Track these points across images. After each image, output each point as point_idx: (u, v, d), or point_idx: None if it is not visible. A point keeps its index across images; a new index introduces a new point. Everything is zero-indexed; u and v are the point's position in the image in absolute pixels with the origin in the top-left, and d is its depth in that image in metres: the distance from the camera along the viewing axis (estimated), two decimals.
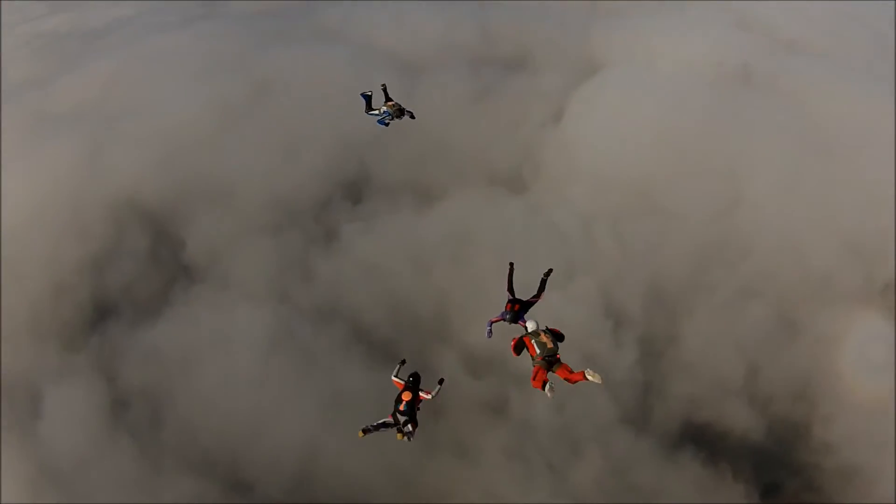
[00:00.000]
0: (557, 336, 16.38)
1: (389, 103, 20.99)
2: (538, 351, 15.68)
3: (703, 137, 63.34)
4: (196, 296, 56.58)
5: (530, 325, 16.25)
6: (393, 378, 17.64)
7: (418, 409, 16.81)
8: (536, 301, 17.11)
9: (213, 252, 58.81)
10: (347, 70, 70.03)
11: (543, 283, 17.33)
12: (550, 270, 17.87)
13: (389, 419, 16.77)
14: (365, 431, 17.15)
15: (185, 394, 51.30)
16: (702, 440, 51.71)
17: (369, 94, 21.39)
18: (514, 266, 17.73)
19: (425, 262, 56.07)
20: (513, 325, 17.06)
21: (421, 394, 16.90)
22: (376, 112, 21.10)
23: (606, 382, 16.38)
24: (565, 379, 15.58)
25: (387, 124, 20.56)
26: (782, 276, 57.85)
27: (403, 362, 18.22)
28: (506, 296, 17.30)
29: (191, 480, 48.12)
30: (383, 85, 21.51)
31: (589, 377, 15.24)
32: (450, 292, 54.66)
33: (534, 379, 15.57)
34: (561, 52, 71.12)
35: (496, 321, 16.93)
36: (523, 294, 17.84)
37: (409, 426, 16.52)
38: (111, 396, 51.86)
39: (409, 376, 17.18)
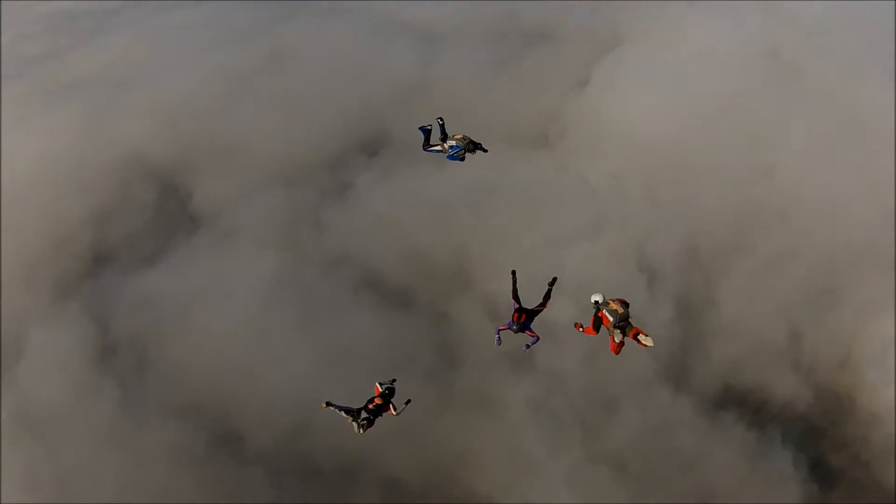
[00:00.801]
0: (623, 303, 15.61)
1: (457, 137, 17.66)
2: (612, 319, 15.02)
3: (735, 107, 57.77)
4: (198, 243, 50.46)
5: (597, 297, 15.45)
6: (377, 384, 17.22)
7: (380, 415, 16.57)
8: (542, 309, 16.16)
9: (220, 203, 52.86)
10: (365, 40, 65.91)
11: (549, 291, 16.38)
12: (555, 279, 16.82)
13: (354, 408, 16.44)
14: (328, 404, 16.62)
15: (178, 341, 44.60)
16: (745, 405, 44.66)
17: (428, 127, 18.06)
18: (517, 272, 16.68)
19: (444, 213, 49.73)
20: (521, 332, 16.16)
21: (390, 407, 16.73)
22: (438, 148, 17.89)
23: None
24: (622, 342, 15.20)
25: (462, 159, 17.52)
26: (822, 241, 51.42)
27: (394, 381, 17.66)
28: (511, 304, 16.22)
29: (175, 428, 41.34)
30: (440, 119, 17.83)
31: (642, 340, 14.83)
32: (470, 243, 48.35)
33: (614, 348, 15.09)
34: (584, 25, 66.14)
35: (503, 329, 16.04)
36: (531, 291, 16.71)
37: (367, 424, 16.30)
38: (101, 343, 45.67)
39: (387, 388, 16.92)
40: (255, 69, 63.56)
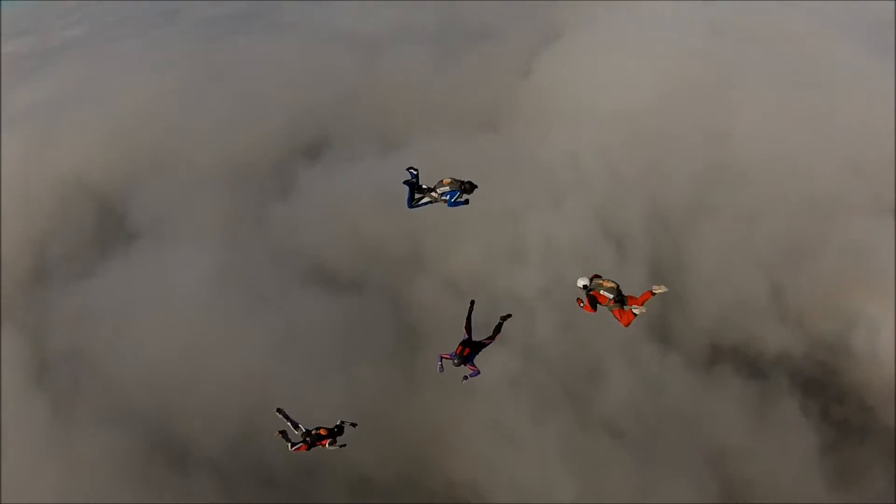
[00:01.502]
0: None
1: (446, 181, 15.14)
2: (609, 296, 14.13)
3: (688, 76, 54.32)
4: (135, 254, 44.40)
5: (583, 281, 14.48)
6: (341, 420, 16.04)
7: (315, 445, 15.53)
8: (490, 343, 14.98)
9: (159, 211, 47.19)
10: (304, 51, 61.75)
11: (500, 325, 15.19)
12: (509, 315, 15.51)
13: (300, 426, 15.81)
14: (279, 411, 16.19)
15: (116, 351, 38.66)
16: (739, 357, 39.71)
17: (414, 173, 15.44)
18: (475, 303, 15.27)
19: (393, 202, 44.76)
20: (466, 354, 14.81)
21: (327, 441, 15.56)
22: (427, 200, 15.36)
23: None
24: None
25: (466, 202, 15.02)
26: (789, 197, 47.61)
27: (354, 425, 16.29)
28: (461, 333, 14.93)
29: (115, 437, 35.01)
30: (413, 169, 15.47)
31: (656, 291, 13.96)
32: (423, 226, 43.14)
33: (623, 320, 14.03)
34: (523, 22, 63.13)
35: (446, 358, 14.76)
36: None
37: (300, 446, 15.51)
38: (37, 357, 40.02)
39: (339, 426, 15.79)
40: (194, 86, 58.85)
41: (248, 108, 55.39)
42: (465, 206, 14.89)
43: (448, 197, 14.89)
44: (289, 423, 15.60)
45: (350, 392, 34.87)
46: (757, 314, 42.18)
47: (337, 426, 15.60)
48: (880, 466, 36.39)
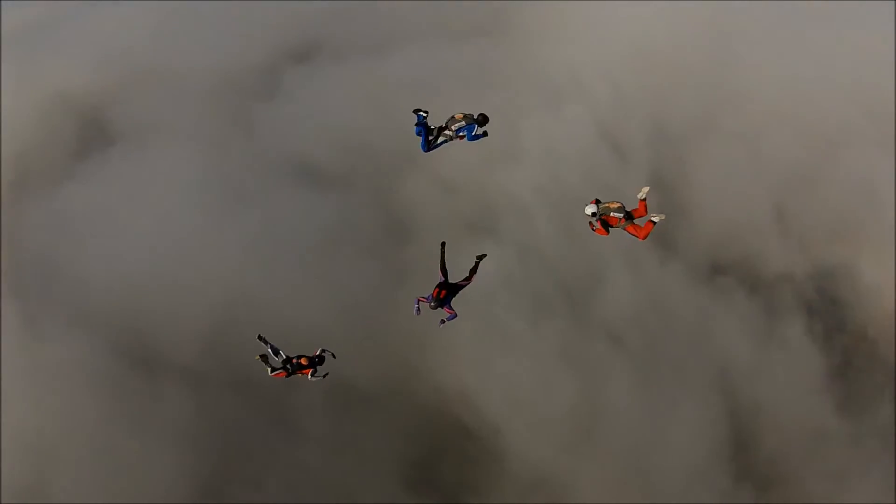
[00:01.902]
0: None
1: (458, 117, 13.79)
2: (619, 216, 13.47)
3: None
4: (114, 157, 41.27)
5: (591, 209, 13.57)
6: (321, 348, 15.14)
7: (295, 373, 14.98)
8: (467, 284, 13.98)
9: (140, 118, 43.96)
10: None
11: (476, 265, 14.13)
12: (484, 255, 14.33)
13: (281, 353, 14.94)
14: (260, 337, 15.27)
15: (89, 253, 35.65)
16: (741, 273, 36.87)
17: (423, 114, 14.02)
18: (446, 245, 13.84)
19: (384, 102, 41.20)
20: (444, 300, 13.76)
21: (309, 370, 14.83)
22: (442, 139, 13.94)
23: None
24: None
25: (485, 133, 13.62)
26: (793, 122, 44.72)
27: (334, 355, 15.26)
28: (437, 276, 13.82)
29: (81, 341, 32.22)
30: (423, 111, 14.09)
31: (656, 219, 13.37)
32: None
33: (641, 234, 13.43)
34: None
35: (423, 301, 13.68)
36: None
37: (279, 372, 14.98)
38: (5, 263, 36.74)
39: (321, 354, 14.96)
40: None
41: (236, 12, 51.51)
42: (485, 138, 13.73)
43: (466, 132, 13.68)
44: (269, 350, 14.91)
45: (334, 291, 32.14)
46: (759, 233, 39.70)
47: (318, 356, 14.95)
48: (883, 398, 34.46)
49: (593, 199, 13.68)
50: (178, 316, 32.86)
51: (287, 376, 14.87)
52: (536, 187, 35.96)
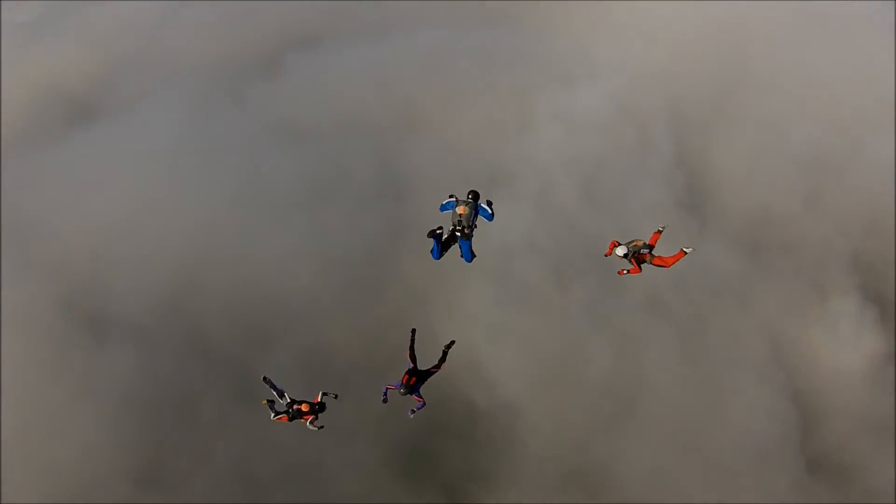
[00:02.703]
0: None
1: (461, 209, 12.04)
2: (646, 251, 12.97)
3: None
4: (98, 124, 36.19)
5: (622, 250, 12.95)
6: (321, 392, 13.73)
7: (297, 419, 13.77)
8: (436, 371, 13.11)
9: (131, 92, 38.90)
10: None
11: (445, 354, 13.21)
12: (453, 342, 13.23)
13: (285, 396, 13.68)
14: (265, 380, 14.07)
15: (58, 210, 29.91)
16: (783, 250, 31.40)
17: (439, 231, 12.30)
18: (416, 330, 12.84)
19: (387, 77, 36.52)
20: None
21: (310, 417, 13.66)
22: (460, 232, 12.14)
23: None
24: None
25: (489, 203, 12.15)
26: (816, 111, 40.31)
27: (336, 396, 13.85)
28: (406, 363, 12.82)
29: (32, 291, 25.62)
30: (437, 230, 12.32)
31: (687, 250, 12.99)
32: (418, 96, 34.80)
33: (667, 263, 12.99)
34: None
35: (391, 389, 12.83)
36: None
37: (282, 416, 13.79)
38: None
39: (322, 401, 13.57)
40: None
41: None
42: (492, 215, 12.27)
43: (482, 215, 12.19)
44: (275, 392, 13.84)
45: (324, 248, 25.87)
46: (793, 217, 34.35)
47: (319, 402, 13.70)
48: None
49: (612, 241, 12.94)
50: (139, 274, 26.45)
51: (289, 420, 13.73)
52: (557, 153, 30.38)
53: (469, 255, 12.14)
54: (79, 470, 22.98)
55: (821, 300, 29.22)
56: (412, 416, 12.62)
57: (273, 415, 13.86)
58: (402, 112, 33.63)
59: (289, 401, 13.72)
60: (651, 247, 12.86)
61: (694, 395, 23.41)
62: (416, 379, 12.83)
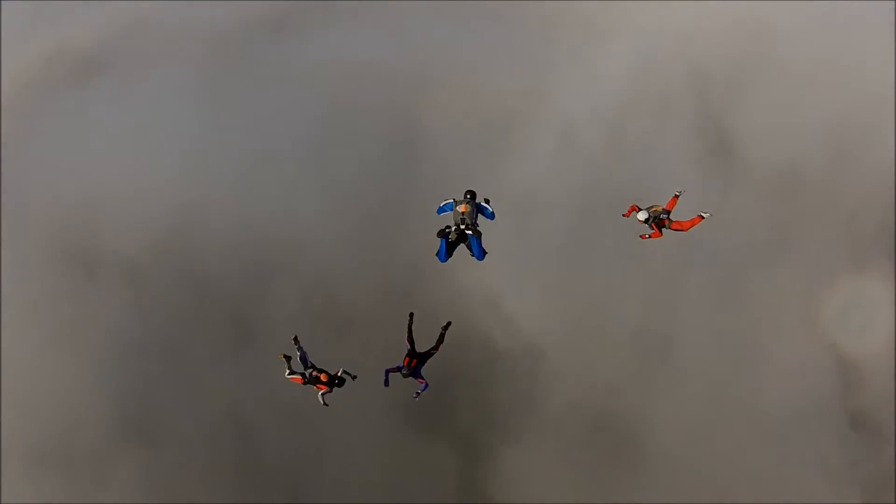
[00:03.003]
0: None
1: (462, 207, 11.80)
2: (665, 216, 12.90)
3: None
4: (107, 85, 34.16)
5: (642, 215, 12.85)
6: (342, 369, 13.25)
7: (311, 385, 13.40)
8: (435, 352, 12.98)
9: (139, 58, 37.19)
10: None
11: (442, 335, 13.08)
12: (449, 323, 13.15)
13: (309, 361, 13.28)
14: (296, 340, 13.32)
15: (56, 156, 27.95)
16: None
17: (447, 230, 11.97)
18: (414, 314, 12.67)
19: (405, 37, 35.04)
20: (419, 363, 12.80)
21: (325, 388, 13.22)
22: (468, 231, 11.79)
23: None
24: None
25: (487, 200, 12.12)
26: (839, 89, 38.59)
27: (355, 377, 13.34)
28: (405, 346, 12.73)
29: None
30: (446, 228, 11.94)
31: (705, 215, 12.95)
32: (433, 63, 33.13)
33: (685, 226, 12.88)
34: None
35: (393, 371, 12.62)
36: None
37: (299, 378, 13.31)
38: None
39: (342, 378, 13.12)
40: None
41: None
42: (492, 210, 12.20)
43: (484, 215, 12.01)
44: (298, 354, 13.09)
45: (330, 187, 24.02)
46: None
47: (338, 376, 13.15)
48: None
49: (632, 205, 12.85)
50: (134, 212, 24.70)
51: (304, 384, 13.42)
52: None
53: (480, 253, 11.84)
54: (61, 414, 20.86)
55: (858, 264, 27.06)
56: (417, 398, 12.67)
57: (288, 372, 13.59)
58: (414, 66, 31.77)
59: (310, 366, 13.46)
60: (668, 212, 12.88)
61: (731, 344, 21.36)
62: (418, 361, 12.79)
